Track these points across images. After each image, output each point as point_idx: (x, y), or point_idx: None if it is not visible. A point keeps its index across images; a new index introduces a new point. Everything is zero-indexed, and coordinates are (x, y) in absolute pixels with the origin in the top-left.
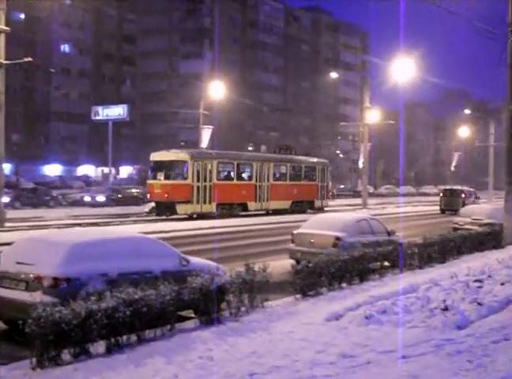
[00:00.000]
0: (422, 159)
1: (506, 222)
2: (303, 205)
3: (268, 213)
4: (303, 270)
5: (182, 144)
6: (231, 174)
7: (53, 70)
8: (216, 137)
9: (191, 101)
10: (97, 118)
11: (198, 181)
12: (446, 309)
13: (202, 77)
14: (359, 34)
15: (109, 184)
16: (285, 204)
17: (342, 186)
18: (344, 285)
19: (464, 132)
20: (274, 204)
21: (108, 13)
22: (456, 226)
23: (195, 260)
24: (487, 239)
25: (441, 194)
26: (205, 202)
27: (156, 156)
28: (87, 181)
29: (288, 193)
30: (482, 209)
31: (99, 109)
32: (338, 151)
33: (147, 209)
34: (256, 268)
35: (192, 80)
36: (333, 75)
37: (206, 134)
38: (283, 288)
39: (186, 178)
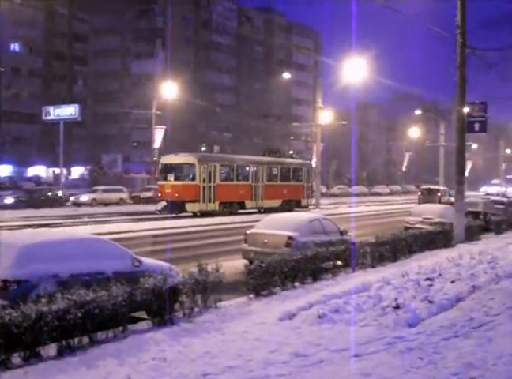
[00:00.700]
0: (374, 159)
1: (455, 221)
2: (291, 204)
3: (260, 211)
4: (256, 270)
5: (135, 144)
6: (231, 175)
7: (2, 69)
8: (168, 137)
9: (144, 101)
10: (48, 118)
11: (204, 182)
12: (397, 307)
13: (155, 77)
14: (311, 35)
15: (60, 184)
16: (277, 202)
17: None
18: (297, 284)
19: (414, 132)
20: (267, 203)
21: (59, 11)
22: (407, 225)
23: (148, 261)
24: (438, 238)
25: (419, 193)
26: (209, 201)
27: (165, 160)
28: (38, 182)
29: (278, 193)
30: (432, 208)
31: (51, 109)
32: (291, 152)
33: (159, 208)
34: (209, 268)
35: (144, 80)
36: (286, 75)
37: (159, 134)
38: (237, 288)
39: (194, 179)
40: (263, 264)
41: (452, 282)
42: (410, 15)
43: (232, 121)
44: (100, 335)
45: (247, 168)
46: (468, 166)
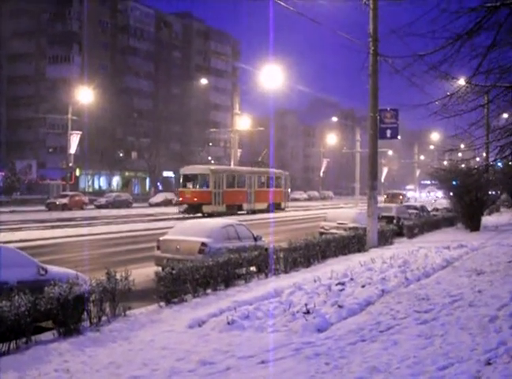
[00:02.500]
0: (292, 164)
1: (368, 226)
2: (274, 206)
3: (249, 213)
4: (167, 277)
5: (50, 150)
6: (234, 183)
7: None
8: (85, 143)
9: (59, 106)
10: None
11: (215, 188)
12: (307, 312)
13: (71, 82)
14: (230, 41)
15: None
16: (264, 205)
17: None
18: (209, 291)
19: (332, 139)
20: (258, 205)
21: None
22: (322, 230)
23: (54, 270)
24: (352, 243)
25: (385, 196)
26: (219, 204)
27: (185, 171)
28: None
29: (266, 197)
30: (347, 213)
31: None
32: (210, 158)
33: (182, 209)
34: (118, 275)
35: (60, 84)
36: (204, 81)
37: (74, 140)
38: (148, 296)
39: (208, 187)
40: (174, 271)
41: (363, 286)
42: (324, 23)
43: (150, 127)
44: (1, 347)
45: (244, 177)
46: (384, 171)
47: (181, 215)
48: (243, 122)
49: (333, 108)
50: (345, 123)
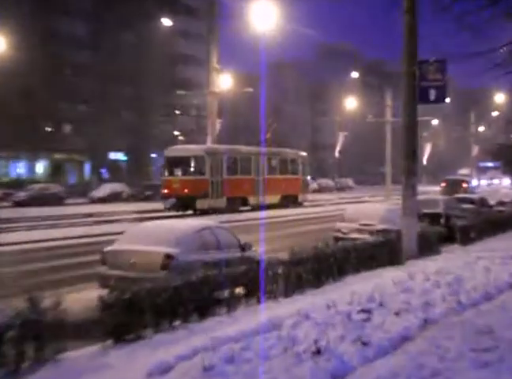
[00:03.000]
0: (295, 141)
1: (404, 228)
2: (290, 199)
3: (255, 208)
4: (116, 304)
5: None
6: (237, 168)
7: None
8: None
9: None
10: None
11: (212, 175)
12: (318, 352)
13: None
14: None
15: None
16: (276, 198)
17: None
18: (177, 323)
19: (351, 103)
20: (268, 198)
21: None
22: (338, 234)
23: None
24: (381, 252)
25: (442, 184)
26: (217, 196)
27: (171, 152)
28: None
29: (278, 188)
30: (374, 211)
31: None
32: (176, 132)
33: (168, 205)
34: (46, 302)
35: None
36: (167, 22)
37: None
38: (89, 331)
39: (203, 173)
40: (126, 296)
41: (396, 314)
42: None
43: (90, 88)
44: None
45: (250, 160)
46: (427, 149)
47: (137, 216)
48: (224, 81)
49: (351, 60)
50: (370, 81)
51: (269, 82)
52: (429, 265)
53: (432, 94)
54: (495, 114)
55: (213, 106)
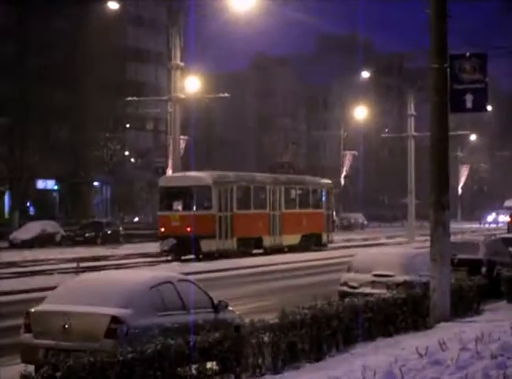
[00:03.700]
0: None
1: (434, 280)
2: (313, 239)
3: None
4: None
5: None
6: (249, 201)
7: None
8: None
9: None
10: None
11: (220, 210)
12: None
13: None
14: None
15: None
16: (296, 238)
17: (136, 219)
18: None
19: (360, 112)
20: (286, 239)
21: None
22: (345, 289)
23: None
24: (402, 313)
25: (510, 218)
26: (226, 237)
27: (169, 181)
28: None
29: (298, 225)
30: (392, 257)
31: None
32: (127, 152)
33: (166, 247)
34: None
35: None
36: (113, 5)
37: None
38: None
39: (210, 208)
40: (58, 374)
41: None
42: None
43: (8, 93)
44: None
45: (265, 190)
46: (463, 174)
47: (77, 266)
48: (191, 84)
49: (362, 55)
50: (387, 82)
51: (251, 84)
52: (466, 330)
53: (469, 100)
54: None
55: (176, 116)
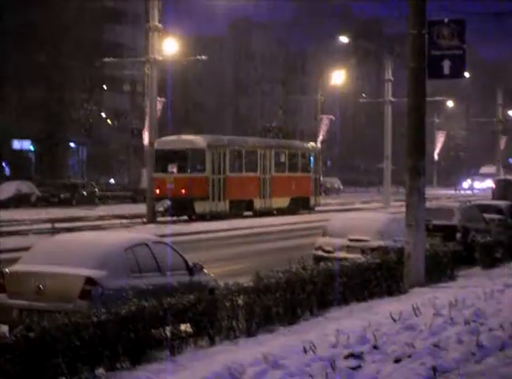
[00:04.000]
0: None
1: (409, 245)
2: (300, 202)
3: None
4: (20, 346)
5: None
6: (241, 164)
7: None
8: None
9: None
10: None
11: (213, 173)
12: None
13: None
14: None
15: None
16: (285, 201)
17: (112, 181)
18: (101, 372)
19: (338, 77)
20: (276, 202)
21: None
22: (320, 253)
23: None
24: (376, 278)
25: (493, 186)
26: (219, 198)
27: (164, 144)
28: None
29: (287, 189)
30: (367, 222)
31: None
32: (103, 114)
33: (161, 208)
34: None
35: None
36: None
37: None
38: None
39: (203, 170)
40: (32, 334)
41: (397, 361)
42: None
43: None
44: None
45: (256, 154)
46: (439, 141)
47: (52, 226)
48: (168, 46)
49: (340, 19)
50: (364, 47)
51: (229, 48)
52: (440, 296)
53: (447, 66)
54: None
55: (153, 78)
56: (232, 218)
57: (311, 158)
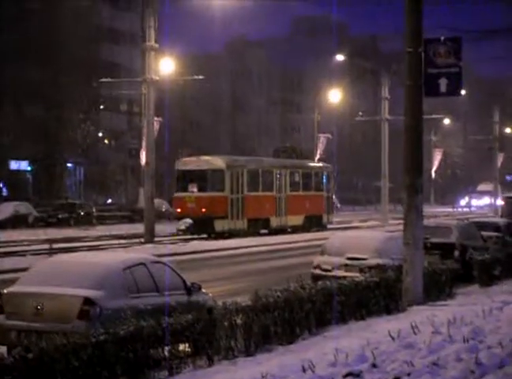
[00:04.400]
0: (261, 145)
1: (407, 263)
2: (313, 221)
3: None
4: (18, 366)
5: None
6: (258, 184)
7: None
8: None
9: None
10: None
11: (232, 192)
12: None
13: None
14: None
15: None
16: (299, 219)
17: (109, 201)
18: None
19: (335, 96)
20: (291, 219)
21: None
22: (318, 272)
23: None
24: (375, 296)
25: (503, 203)
26: (237, 217)
27: (185, 165)
28: None
29: (302, 207)
30: (365, 240)
31: None
32: (101, 134)
33: (183, 227)
34: None
35: None
36: None
37: None
38: None
39: (222, 190)
40: (30, 355)
41: None
42: None
43: None
44: None
45: (272, 174)
46: (436, 158)
47: (49, 247)
48: (165, 66)
49: (336, 37)
50: (361, 66)
51: (225, 66)
52: (439, 313)
53: (443, 84)
54: None
55: (150, 98)
56: (250, 236)
57: (324, 177)
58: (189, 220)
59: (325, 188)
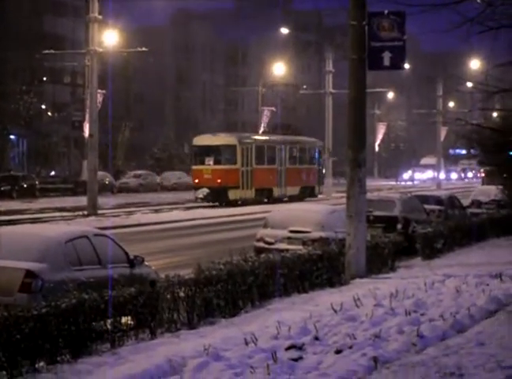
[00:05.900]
0: (206, 119)
1: (350, 236)
2: (307, 191)
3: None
4: None
5: None
6: (263, 158)
7: None
8: None
9: None
10: None
11: (243, 165)
12: None
13: None
14: None
15: None
16: (296, 189)
17: (52, 173)
18: (41, 365)
19: (279, 69)
20: (289, 190)
21: None
22: (261, 245)
23: None
24: (317, 269)
25: (483, 174)
26: (247, 187)
27: (201, 141)
28: None
29: (298, 179)
30: (308, 213)
31: None
32: (44, 106)
33: (201, 195)
34: None
35: None
36: None
37: None
38: None
39: (235, 163)
40: None
41: (338, 351)
42: None
43: None
44: None
45: (275, 149)
46: (380, 132)
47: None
48: (109, 38)
49: (280, 10)
50: (305, 39)
51: (170, 39)
52: (381, 286)
53: (387, 57)
54: (468, 85)
55: (94, 70)
56: (257, 204)
57: (316, 152)
58: (206, 189)
59: (317, 162)
